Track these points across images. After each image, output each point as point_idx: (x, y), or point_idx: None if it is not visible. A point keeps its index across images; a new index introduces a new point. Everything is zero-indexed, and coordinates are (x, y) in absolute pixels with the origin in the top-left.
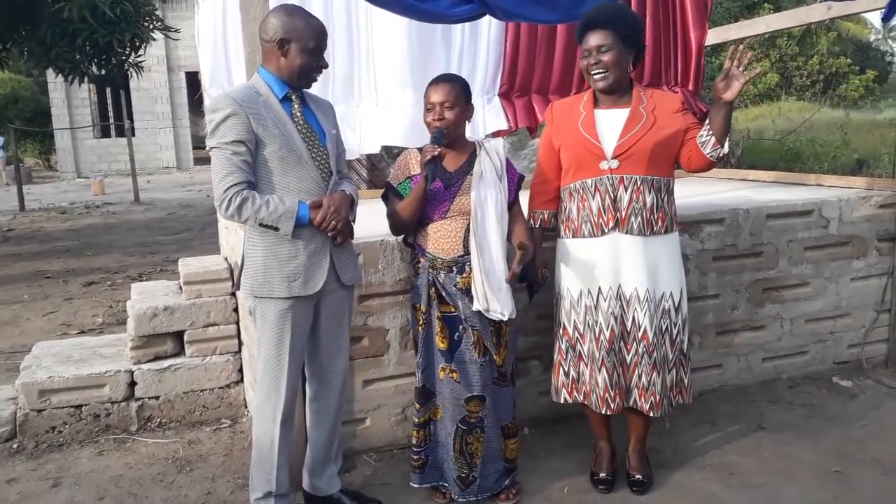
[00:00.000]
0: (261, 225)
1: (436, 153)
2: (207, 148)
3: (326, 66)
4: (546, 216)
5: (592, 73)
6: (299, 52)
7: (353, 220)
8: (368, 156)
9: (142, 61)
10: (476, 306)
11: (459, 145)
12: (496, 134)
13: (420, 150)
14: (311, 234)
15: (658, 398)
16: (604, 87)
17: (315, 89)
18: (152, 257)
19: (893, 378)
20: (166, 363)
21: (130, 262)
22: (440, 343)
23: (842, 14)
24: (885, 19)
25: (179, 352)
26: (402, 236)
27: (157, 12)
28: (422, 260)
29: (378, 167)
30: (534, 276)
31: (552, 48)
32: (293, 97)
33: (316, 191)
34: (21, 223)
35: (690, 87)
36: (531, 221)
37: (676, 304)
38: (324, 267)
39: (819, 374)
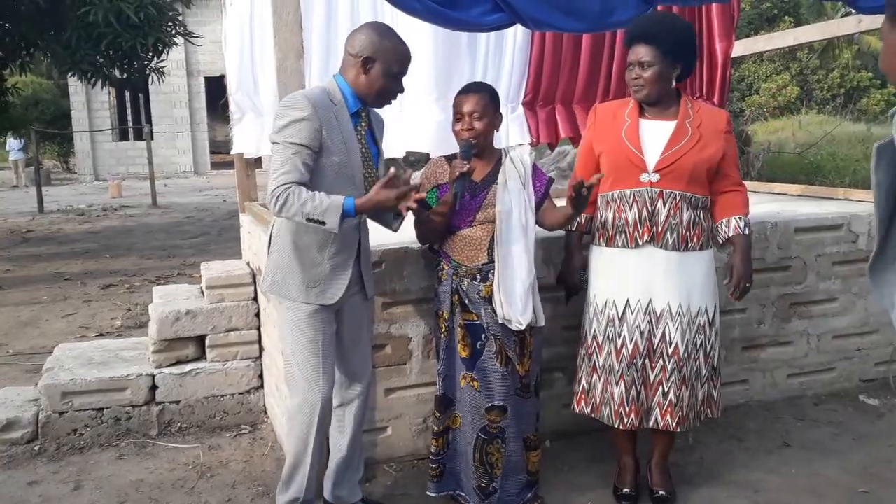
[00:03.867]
0: (307, 220)
1: (465, 169)
2: (271, 142)
3: (403, 91)
4: (583, 220)
5: (631, 85)
6: (381, 75)
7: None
8: (386, 163)
9: (164, 66)
10: (499, 316)
11: (487, 154)
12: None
13: (448, 159)
14: (340, 244)
15: (685, 413)
16: (640, 99)
17: None
18: (170, 261)
19: None
20: (187, 367)
21: (148, 265)
22: (462, 351)
23: (873, 28)
24: None
25: (201, 356)
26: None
27: (180, 17)
28: (446, 267)
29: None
30: (571, 279)
31: (577, 57)
32: (363, 114)
33: None
34: (40, 224)
35: (716, 100)
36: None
37: (710, 319)
38: (345, 279)
39: (845, 391)
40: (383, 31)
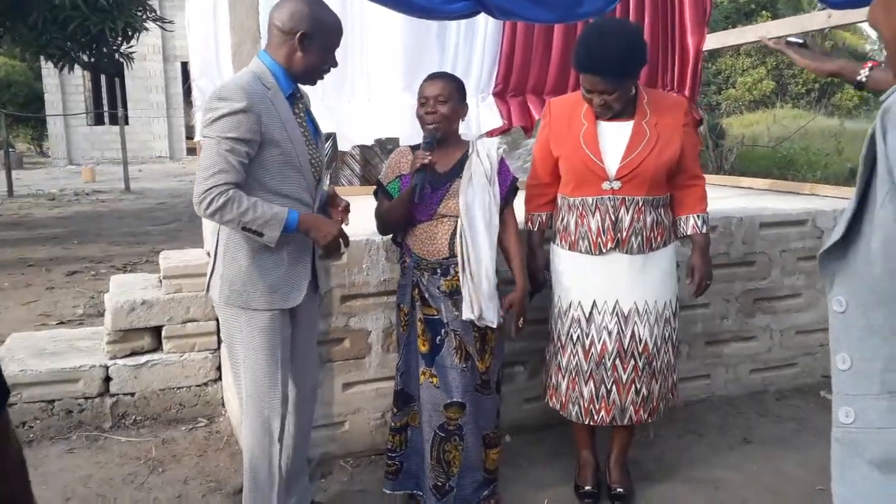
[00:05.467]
0: (243, 229)
1: (426, 160)
2: (200, 136)
3: (336, 66)
4: (544, 218)
5: (596, 109)
6: (320, 51)
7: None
8: (362, 151)
9: (133, 51)
10: (466, 315)
11: (452, 144)
12: (491, 133)
13: (413, 149)
14: (296, 241)
15: (655, 404)
16: (606, 117)
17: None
18: (139, 247)
19: None
20: (143, 359)
21: (116, 251)
22: (421, 346)
23: (842, 23)
24: None
25: (157, 347)
26: (391, 235)
27: (151, 2)
28: (408, 260)
29: (371, 163)
30: (534, 277)
31: (549, 48)
32: (297, 94)
33: (307, 199)
34: (8, 209)
35: (687, 93)
36: (528, 224)
37: (674, 310)
38: (305, 277)
39: (807, 387)
40: (315, 2)
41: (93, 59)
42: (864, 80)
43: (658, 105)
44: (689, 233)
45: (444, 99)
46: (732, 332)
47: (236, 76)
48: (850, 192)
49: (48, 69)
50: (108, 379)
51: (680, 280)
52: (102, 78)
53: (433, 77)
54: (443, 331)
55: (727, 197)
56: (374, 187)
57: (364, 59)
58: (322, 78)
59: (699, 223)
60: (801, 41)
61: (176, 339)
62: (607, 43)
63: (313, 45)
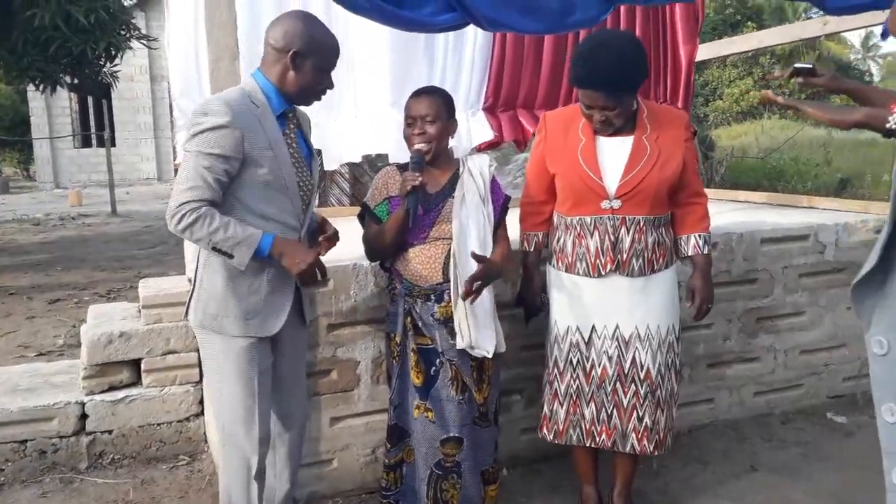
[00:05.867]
0: (213, 248)
1: (416, 182)
2: (181, 150)
3: (332, 87)
4: (540, 238)
5: (596, 126)
6: (314, 71)
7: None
8: (351, 169)
9: (118, 71)
10: (460, 344)
11: (442, 163)
12: (481, 147)
13: (401, 168)
14: (278, 265)
15: (662, 436)
16: (607, 133)
17: None
18: (124, 273)
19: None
20: (121, 394)
21: (101, 277)
22: (415, 378)
23: (838, 30)
24: (885, 36)
25: (136, 381)
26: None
27: (136, 21)
28: (398, 286)
29: (361, 181)
30: (531, 300)
31: (539, 61)
32: (290, 114)
33: (293, 223)
34: None
35: (680, 104)
36: (524, 244)
37: (677, 335)
38: (286, 305)
39: (813, 408)
40: (311, 21)
41: (76, 81)
42: (893, 126)
43: (658, 119)
44: (689, 253)
45: (432, 118)
46: (735, 353)
47: (224, 92)
48: (851, 204)
49: (34, 92)
50: (84, 416)
51: (680, 301)
52: (89, 100)
53: (419, 94)
54: (438, 361)
55: (724, 212)
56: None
57: (350, 74)
58: (319, 99)
59: (700, 243)
60: (809, 66)
61: (156, 373)
62: (606, 57)
63: (306, 65)
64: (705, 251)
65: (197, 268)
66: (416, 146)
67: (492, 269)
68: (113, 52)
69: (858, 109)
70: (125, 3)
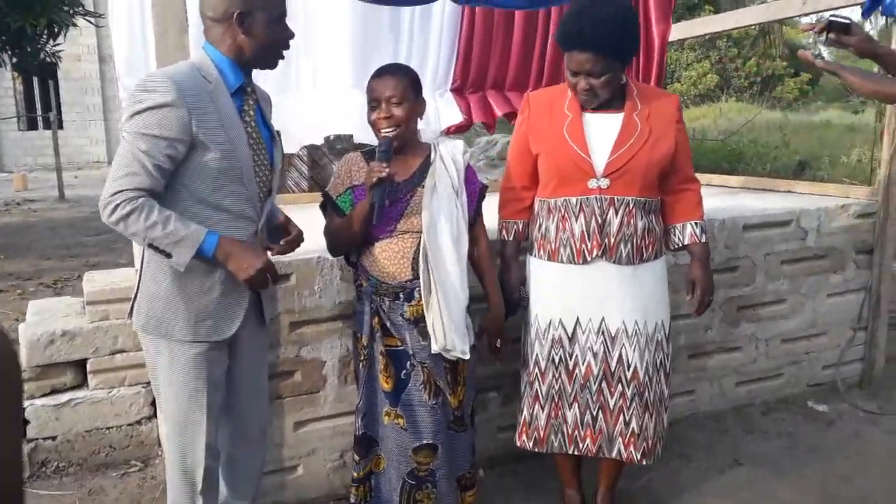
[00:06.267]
0: (150, 245)
1: (384, 174)
2: (121, 133)
3: (293, 36)
4: (520, 227)
5: (580, 96)
6: (267, 25)
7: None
8: (309, 151)
9: (60, 50)
10: (434, 347)
11: (411, 148)
12: (449, 130)
13: (366, 155)
14: None
15: (650, 443)
16: (591, 107)
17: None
18: (71, 261)
19: (869, 401)
20: (65, 397)
21: (47, 266)
22: (384, 383)
23: (816, 10)
24: (866, 14)
25: (81, 383)
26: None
27: None
28: (364, 284)
29: (320, 164)
30: (509, 295)
31: (509, 40)
32: (248, 90)
33: (249, 213)
34: None
35: (653, 84)
36: (503, 233)
37: (667, 334)
38: (242, 305)
39: (793, 397)
40: None
41: (15, 60)
42: None
43: (649, 98)
44: (686, 242)
45: (398, 100)
46: (716, 343)
47: (171, 67)
48: (830, 188)
49: None
50: (24, 422)
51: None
52: (35, 80)
53: (382, 73)
54: (408, 364)
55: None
56: (323, 193)
57: (309, 51)
58: (282, 56)
59: (697, 231)
60: (846, 21)
61: (103, 374)
62: (597, 17)
63: (257, 22)
64: (703, 239)
65: (142, 263)
66: (384, 133)
67: (499, 315)
68: (56, 30)
69: None
70: None
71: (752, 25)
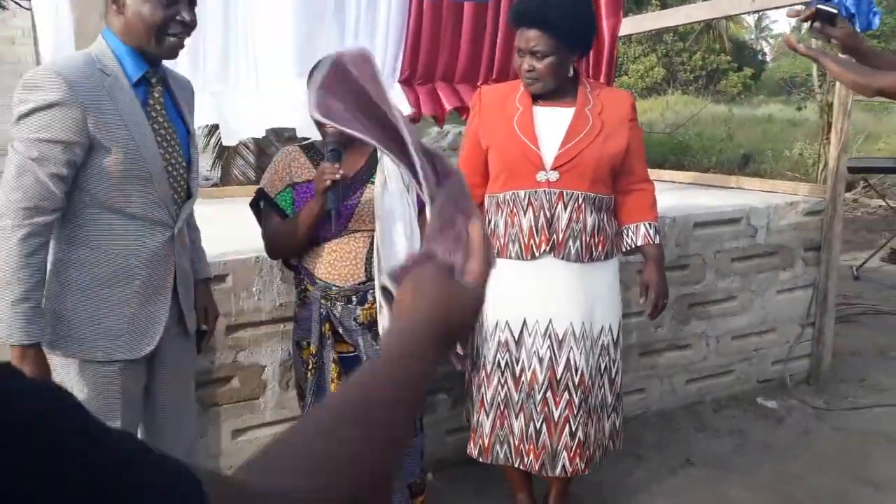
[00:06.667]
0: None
1: (336, 176)
2: (11, 140)
3: (191, 21)
4: None
5: (523, 77)
6: (139, 3)
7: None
8: (255, 140)
9: None
10: None
11: (357, 144)
12: None
13: (306, 150)
14: (149, 271)
15: (592, 451)
16: (534, 92)
17: (185, 67)
18: None
19: (816, 397)
20: None
21: None
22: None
23: (765, 7)
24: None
25: None
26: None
27: None
28: (310, 289)
29: (267, 152)
30: None
31: (458, 32)
32: (153, 80)
33: (163, 217)
34: None
35: (602, 80)
36: None
37: (615, 339)
38: (161, 317)
39: (743, 394)
40: None
41: None
42: None
43: (603, 95)
44: (639, 243)
45: None
46: (667, 340)
47: (62, 59)
48: (779, 185)
49: None
50: None
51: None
52: None
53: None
54: None
55: None
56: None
57: (249, 40)
58: (179, 43)
59: (651, 232)
60: (833, 10)
61: None
62: None
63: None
64: (657, 240)
65: (47, 273)
66: (331, 130)
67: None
68: None
69: (886, 74)
70: None
71: (700, 21)
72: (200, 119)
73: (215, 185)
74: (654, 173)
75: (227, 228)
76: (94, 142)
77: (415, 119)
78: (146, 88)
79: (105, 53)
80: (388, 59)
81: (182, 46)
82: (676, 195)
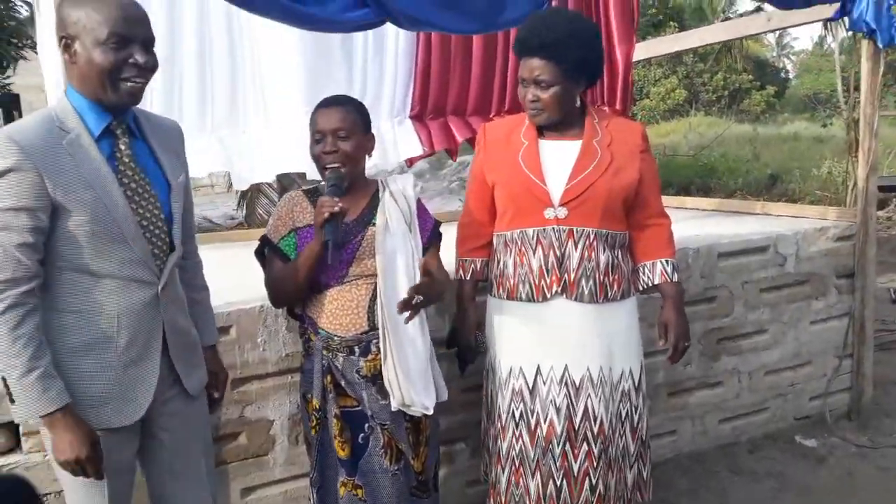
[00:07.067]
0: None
1: (336, 209)
2: None
3: (147, 63)
4: (478, 265)
5: (528, 108)
6: (89, 50)
7: None
8: (279, 178)
9: (9, 82)
10: (394, 405)
11: (358, 187)
12: (412, 161)
13: (308, 194)
14: (134, 329)
15: None
16: (538, 123)
17: (192, 112)
18: None
19: (859, 433)
20: None
21: None
22: (339, 450)
23: (781, 26)
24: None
25: (14, 447)
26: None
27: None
28: (313, 338)
29: (290, 189)
30: (465, 341)
31: (468, 64)
32: (118, 130)
33: (144, 275)
34: None
35: (618, 107)
36: (460, 272)
37: (636, 384)
38: (151, 379)
39: (780, 433)
40: None
41: None
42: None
43: (612, 125)
44: (656, 281)
45: (345, 133)
46: (697, 378)
47: (19, 122)
48: (807, 210)
49: None
50: None
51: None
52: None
53: (328, 105)
54: (366, 426)
55: (673, 222)
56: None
57: (257, 81)
58: (135, 88)
59: (668, 270)
60: None
61: (38, 436)
62: (556, 21)
63: (79, 49)
64: (675, 278)
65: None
66: (332, 164)
67: (435, 283)
68: (4, 64)
69: None
70: (22, 13)
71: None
72: (209, 166)
73: (240, 224)
74: (675, 201)
75: (236, 275)
76: (57, 204)
77: (427, 155)
78: (112, 141)
79: (66, 110)
80: (397, 96)
81: (142, 91)
82: (699, 224)
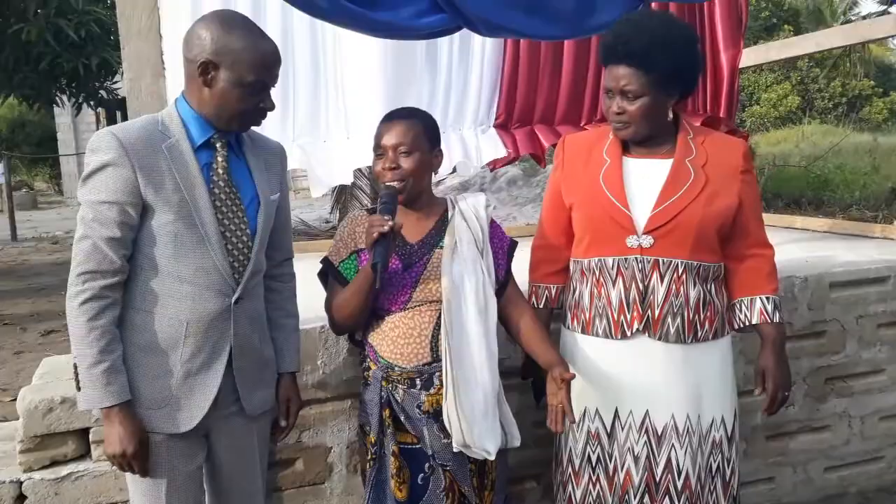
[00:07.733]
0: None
1: (385, 229)
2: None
3: (272, 109)
4: (553, 292)
5: (612, 120)
6: (231, 86)
7: None
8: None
9: (117, 88)
10: (454, 445)
11: (424, 205)
12: (495, 164)
13: (371, 213)
14: (200, 339)
15: None
16: (624, 138)
17: (275, 121)
18: None
19: None
20: (65, 470)
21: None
22: (396, 491)
23: None
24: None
25: (84, 454)
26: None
27: None
28: (373, 367)
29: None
30: (539, 372)
31: (558, 70)
32: (218, 144)
33: (220, 284)
34: (7, 255)
35: (722, 114)
36: (533, 299)
37: (729, 433)
38: (207, 393)
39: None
40: (232, 21)
41: (71, 100)
42: None
43: (709, 142)
44: (754, 321)
45: (407, 150)
46: (800, 421)
47: (126, 122)
48: None
49: (60, 108)
50: (21, 497)
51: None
52: (118, 115)
53: (392, 118)
54: (427, 466)
55: (780, 245)
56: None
57: (339, 91)
58: (254, 123)
59: (769, 308)
60: None
61: None
62: (647, 25)
63: (219, 78)
64: (776, 318)
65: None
66: (391, 182)
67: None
68: (114, 68)
69: None
70: None
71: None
72: (289, 164)
73: (334, 227)
74: (783, 220)
75: (300, 293)
76: (147, 203)
77: (510, 160)
78: (211, 153)
79: (172, 117)
80: (482, 105)
81: (256, 125)
82: (809, 247)
